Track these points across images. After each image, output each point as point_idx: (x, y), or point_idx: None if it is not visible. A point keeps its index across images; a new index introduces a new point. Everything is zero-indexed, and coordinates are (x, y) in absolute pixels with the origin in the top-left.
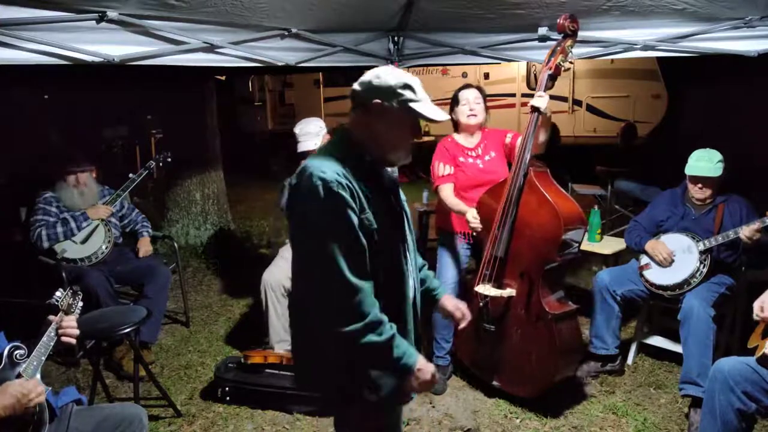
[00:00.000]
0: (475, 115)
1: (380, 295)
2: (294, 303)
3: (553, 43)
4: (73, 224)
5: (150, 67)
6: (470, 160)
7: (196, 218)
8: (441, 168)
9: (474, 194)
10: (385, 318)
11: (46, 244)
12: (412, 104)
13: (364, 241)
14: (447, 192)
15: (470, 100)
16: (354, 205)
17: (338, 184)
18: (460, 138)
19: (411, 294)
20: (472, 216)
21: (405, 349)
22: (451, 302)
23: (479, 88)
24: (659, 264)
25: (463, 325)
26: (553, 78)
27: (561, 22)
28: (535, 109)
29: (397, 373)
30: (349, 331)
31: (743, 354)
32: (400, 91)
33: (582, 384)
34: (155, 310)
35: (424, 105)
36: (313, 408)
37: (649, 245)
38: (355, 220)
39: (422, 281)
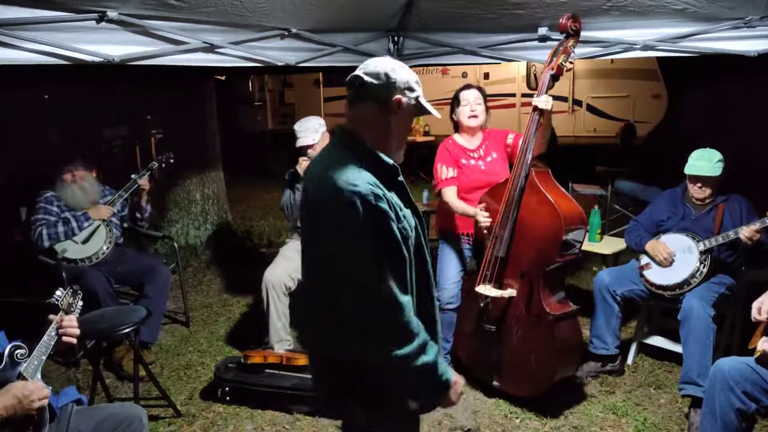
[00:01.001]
0: (476, 116)
1: (415, 298)
2: (318, 313)
3: (554, 43)
4: (74, 224)
5: (150, 67)
6: (472, 162)
7: (196, 218)
8: (444, 171)
9: (476, 196)
10: (428, 335)
11: (46, 243)
12: (421, 100)
13: (405, 252)
14: (450, 195)
15: (471, 100)
16: (393, 216)
17: (375, 196)
18: (462, 139)
19: (435, 293)
20: (482, 216)
21: (444, 365)
22: None
23: (480, 89)
24: (659, 264)
25: None
26: (555, 78)
27: (563, 22)
28: (538, 110)
29: (439, 389)
30: (404, 353)
31: (743, 354)
32: (414, 86)
33: (582, 384)
34: (155, 310)
35: (426, 101)
36: (313, 408)
37: (650, 245)
38: (397, 231)
39: None
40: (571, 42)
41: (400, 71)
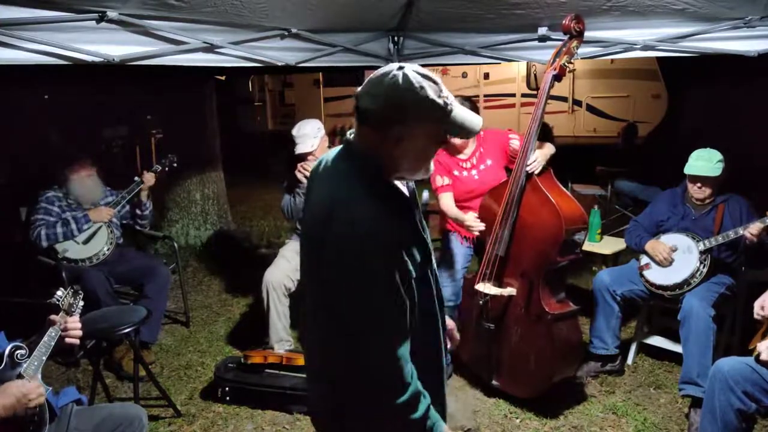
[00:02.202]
0: None
1: (418, 320)
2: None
3: (554, 43)
4: (73, 225)
5: (150, 67)
6: (465, 173)
7: (196, 218)
8: (439, 180)
9: (472, 204)
10: (422, 388)
11: (45, 244)
12: (452, 117)
13: (406, 296)
14: (446, 201)
15: None
16: (401, 262)
17: (386, 234)
18: (454, 149)
19: (437, 309)
20: (471, 220)
21: (435, 418)
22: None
23: (467, 99)
24: (659, 264)
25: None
26: (558, 78)
27: (566, 23)
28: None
29: None
30: (392, 406)
31: (743, 354)
32: (426, 110)
33: (582, 384)
34: (155, 310)
35: (460, 111)
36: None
37: (649, 245)
38: (399, 279)
39: None
40: (574, 43)
41: (400, 91)
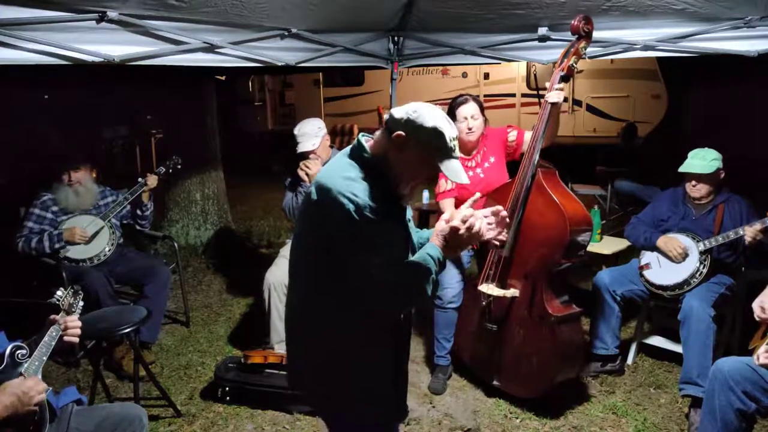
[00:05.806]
0: (472, 132)
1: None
2: (304, 306)
3: (554, 43)
4: (47, 243)
5: (150, 67)
6: (470, 173)
7: (196, 218)
8: (442, 184)
9: (479, 203)
10: (411, 262)
11: (21, 253)
12: (448, 160)
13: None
14: (447, 207)
15: (468, 117)
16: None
17: (370, 209)
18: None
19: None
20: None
21: (424, 256)
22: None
23: (476, 99)
24: (673, 260)
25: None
26: (565, 79)
27: (575, 23)
28: (550, 104)
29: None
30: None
31: (743, 354)
32: (428, 136)
33: (582, 384)
34: (155, 310)
35: (450, 162)
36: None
37: (662, 241)
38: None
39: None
40: (582, 44)
41: (423, 115)
